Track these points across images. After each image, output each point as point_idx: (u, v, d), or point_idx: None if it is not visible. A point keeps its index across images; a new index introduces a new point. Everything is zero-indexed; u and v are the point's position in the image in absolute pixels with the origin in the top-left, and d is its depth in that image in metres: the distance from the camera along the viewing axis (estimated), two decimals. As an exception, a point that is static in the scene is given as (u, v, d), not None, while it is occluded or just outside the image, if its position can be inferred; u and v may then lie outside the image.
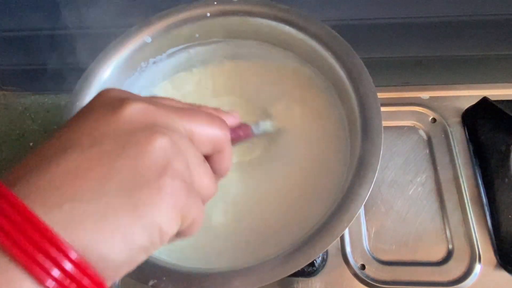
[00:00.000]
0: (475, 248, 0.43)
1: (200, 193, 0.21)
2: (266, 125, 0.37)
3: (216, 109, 0.27)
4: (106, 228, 0.17)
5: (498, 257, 0.43)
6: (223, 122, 0.24)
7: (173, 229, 0.19)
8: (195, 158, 0.21)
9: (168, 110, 0.21)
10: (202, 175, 0.22)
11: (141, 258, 0.18)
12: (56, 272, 0.15)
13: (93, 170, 0.17)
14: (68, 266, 0.15)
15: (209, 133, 0.22)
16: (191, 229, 0.21)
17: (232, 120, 0.28)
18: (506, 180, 0.45)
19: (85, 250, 0.16)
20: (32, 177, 0.17)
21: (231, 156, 0.25)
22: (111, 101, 0.20)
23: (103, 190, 0.17)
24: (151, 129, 0.19)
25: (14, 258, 0.15)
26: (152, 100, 0.21)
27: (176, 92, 0.47)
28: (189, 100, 0.25)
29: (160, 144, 0.19)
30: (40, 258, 0.15)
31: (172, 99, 0.24)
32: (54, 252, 0.15)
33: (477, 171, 0.48)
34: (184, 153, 0.20)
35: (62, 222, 0.16)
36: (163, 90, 0.47)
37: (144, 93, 0.46)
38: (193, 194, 0.20)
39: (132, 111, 0.19)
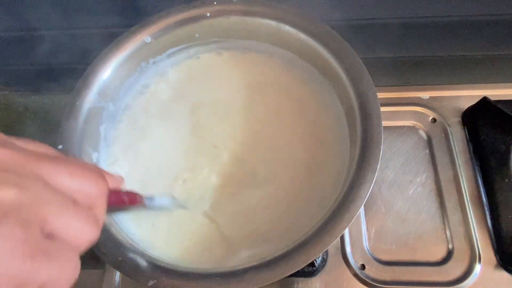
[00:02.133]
0: (475, 248, 0.43)
1: (68, 242, 0.19)
2: (163, 201, 0.35)
3: (100, 169, 0.24)
4: None
5: (498, 257, 0.43)
6: (100, 178, 0.21)
7: None
8: (56, 202, 0.18)
9: (30, 158, 0.18)
10: (69, 219, 0.19)
11: None
12: None
13: None
14: None
15: (80, 185, 0.20)
16: None
17: (113, 182, 0.26)
18: (506, 180, 0.45)
19: None
20: None
21: (102, 216, 0.22)
22: None
23: None
24: None
25: None
26: (7, 145, 0.18)
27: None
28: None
29: (3, 197, 0.16)
30: None
31: (42, 147, 0.21)
32: None
33: (477, 171, 0.48)
34: (38, 201, 0.17)
35: None
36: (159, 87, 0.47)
37: (143, 92, 0.46)
38: (43, 252, 0.17)
39: None
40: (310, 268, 0.43)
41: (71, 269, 0.18)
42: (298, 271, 0.30)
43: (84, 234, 0.19)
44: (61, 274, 0.18)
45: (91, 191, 0.21)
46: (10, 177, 0.17)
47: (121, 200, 0.28)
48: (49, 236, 0.18)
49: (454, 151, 0.49)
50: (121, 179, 0.28)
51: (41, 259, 0.17)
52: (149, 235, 0.38)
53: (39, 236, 0.17)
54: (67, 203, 0.19)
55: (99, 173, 0.22)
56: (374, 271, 0.43)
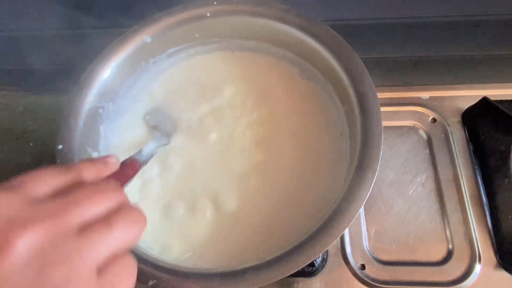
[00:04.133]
0: (475, 248, 0.43)
1: (119, 245, 0.21)
2: (150, 148, 0.38)
3: (94, 164, 0.26)
4: None
5: (498, 257, 0.43)
6: (110, 190, 0.23)
7: None
8: (95, 245, 0.20)
9: (55, 220, 0.20)
10: (115, 240, 0.21)
11: None
12: None
13: None
14: None
15: (103, 208, 0.22)
16: None
17: (114, 166, 0.28)
18: (506, 180, 0.45)
19: None
20: None
21: (137, 211, 0.24)
22: None
23: None
24: (41, 266, 0.18)
25: None
26: (34, 208, 0.20)
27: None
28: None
29: (54, 281, 0.18)
30: None
31: (49, 171, 0.23)
32: None
33: (477, 171, 0.47)
34: (81, 258, 0.19)
35: None
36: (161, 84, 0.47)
37: (143, 92, 0.46)
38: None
39: (19, 253, 0.18)
40: (310, 268, 0.43)
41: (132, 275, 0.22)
42: (298, 271, 0.30)
43: (132, 239, 0.22)
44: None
45: (113, 204, 0.23)
46: (52, 257, 0.19)
47: (127, 176, 0.31)
48: (104, 267, 0.20)
49: (454, 151, 0.49)
50: (116, 160, 0.29)
51: None
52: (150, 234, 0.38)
53: (95, 279, 0.20)
54: (102, 234, 0.21)
55: (112, 186, 0.24)
56: (374, 271, 0.43)
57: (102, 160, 0.28)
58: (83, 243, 0.20)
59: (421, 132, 0.51)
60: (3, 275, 0.17)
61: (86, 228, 0.21)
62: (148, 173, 0.41)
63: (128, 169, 0.32)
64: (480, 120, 0.49)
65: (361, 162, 0.33)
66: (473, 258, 0.43)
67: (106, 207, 0.22)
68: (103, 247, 0.21)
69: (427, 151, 0.49)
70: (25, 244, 0.18)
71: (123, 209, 0.23)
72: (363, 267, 0.43)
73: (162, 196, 0.40)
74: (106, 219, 0.21)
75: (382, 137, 0.34)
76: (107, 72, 0.41)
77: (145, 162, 0.36)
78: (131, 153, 0.35)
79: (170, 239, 0.38)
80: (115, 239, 0.21)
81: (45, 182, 0.22)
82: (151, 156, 0.38)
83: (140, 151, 0.36)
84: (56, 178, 0.23)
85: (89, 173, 0.25)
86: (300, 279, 0.43)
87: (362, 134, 0.35)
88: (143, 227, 0.23)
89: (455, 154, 0.48)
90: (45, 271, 0.18)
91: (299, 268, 0.30)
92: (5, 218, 0.19)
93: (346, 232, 0.45)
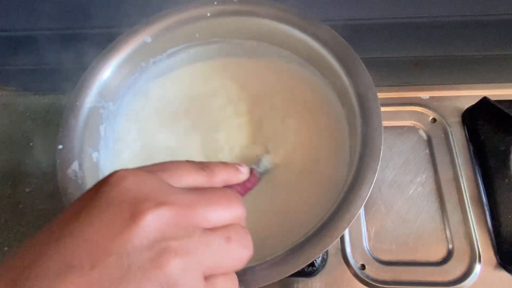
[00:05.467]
0: (475, 248, 0.43)
1: (229, 278, 0.22)
2: (267, 161, 0.38)
3: (226, 168, 0.26)
4: None
5: (498, 257, 0.43)
6: (237, 202, 0.23)
7: None
8: (213, 251, 0.20)
9: (187, 211, 0.20)
10: (227, 259, 0.21)
11: None
12: None
13: None
14: None
15: (227, 217, 0.22)
16: None
17: (244, 175, 0.28)
18: (506, 180, 0.45)
19: None
20: None
21: (248, 235, 0.24)
22: (125, 204, 0.19)
23: None
24: (161, 249, 0.18)
25: None
26: (170, 192, 0.20)
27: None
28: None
29: (169, 269, 0.18)
30: None
31: (187, 165, 0.23)
32: None
33: (477, 171, 0.48)
34: (199, 258, 0.19)
35: None
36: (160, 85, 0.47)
37: (142, 91, 0.46)
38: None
39: (145, 227, 0.18)
40: (310, 268, 0.43)
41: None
42: (298, 271, 0.30)
43: (240, 263, 0.22)
44: None
45: (236, 220, 0.23)
46: (173, 245, 0.19)
47: (247, 190, 0.30)
48: (209, 278, 0.20)
49: (454, 151, 0.49)
50: (247, 171, 0.29)
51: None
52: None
53: (203, 284, 0.20)
54: (222, 246, 0.21)
55: (236, 197, 0.24)
56: (374, 271, 0.43)
57: (234, 166, 0.28)
58: (203, 245, 0.20)
59: (421, 132, 0.51)
60: (125, 247, 0.17)
61: (208, 232, 0.21)
62: None
63: (248, 182, 0.30)
64: (480, 120, 0.49)
65: (361, 162, 0.33)
66: (473, 258, 0.43)
67: (229, 218, 0.22)
68: (220, 258, 0.21)
69: (427, 151, 0.49)
70: (154, 220, 0.18)
71: (240, 229, 0.23)
72: (363, 267, 0.43)
73: None
74: (226, 234, 0.21)
75: (382, 137, 0.34)
76: (107, 72, 0.41)
77: (261, 176, 0.35)
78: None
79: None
80: (230, 255, 0.21)
81: (181, 174, 0.23)
82: (266, 171, 0.37)
83: (257, 164, 0.36)
84: (192, 173, 0.23)
85: (220, 176, 0.25)
86: (300, 279, 0.43)
87: (362, 134, 0.35)
88: (251, 254, 0.23)
89: (455, 154, 0.48)
90: (164, 257, 0.18)
91: (299, 268, 0.30)
92: (143, 194, 0.19)
93: (346, 232, 0.45)
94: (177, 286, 0.18)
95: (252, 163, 0.35)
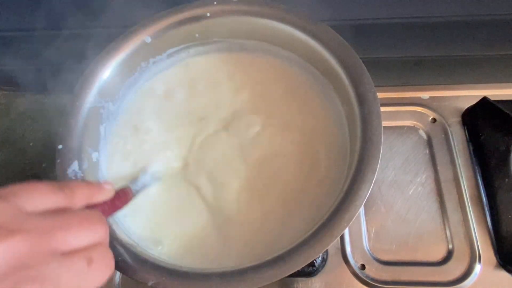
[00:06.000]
0: (475, 248, 0.43)
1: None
2: (145, 179, 0.38)
3: (89, 187, 0.26)
4: None
5: (498, 257, 0.43)
6: (100, 223, 0.24)
7: None
8: (71, 273, 0.21)
9: (43, 237, 0.20)
10: (87, 278, 0.22)
11: None
12: None
13: None
14: None
15: (89, 239, 0.22)
16: None
17: (108, 194, 0.28)
18: (506, 180, 0.45)
19: None
20: None
21: (111, 255, 0.25)
22: None
23: None
24: (18, 279, 0.18)
25: None
26: (23, 219, 0.20)
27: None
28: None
29: None
30: None
31: (44, 187, 0.23)
32: None
33: (477, 171, 0.48)
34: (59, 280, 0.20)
35: None
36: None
37: (142, 90, 0.46)
38: None
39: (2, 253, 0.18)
40: (310, 268, 0.43)
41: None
42: (298, 271, 0.30)
43: (101, 282, 0.22)
44: None
45: (96, 238, 0.23)
46: (31, 273, 0.18)
47: (115, 207, 0.30)
48: None
49: (454, 151, 0.49)
50: (111, 188, 0.29)
51: None
52: (148, 232, 0.38)
53: None
54: (83, 268, 0.21)
55: (99, 218, 0.24)
56: (374, 271, 0.43)
57: (98, 185, 0.28)
58: (62, 269, 0.20)
59: (421, 132, 0.51)
60: None
61: (68, 256, 0.21)
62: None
63: (118, 200, 0.31)
64: (480, 120, 0.49)
65: (361, 162, 0.33)
66: (473, 258, 0.43)
67: (91, 240, 0.23)
68: (80, 280, 0.21)
69: (427, 151, 0.49)
70: (6, 250, 0.18)
71: (103, 249, 0.23)
72: (363, 267, 0.43)
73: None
74: (88, 255, 0.22)
75: (382, 137, 0.34)
76: (107, 72, 0.41)
77: (137, 193, 0.35)
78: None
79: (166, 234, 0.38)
80: (90, 277, 0.22)
81: (37, 197, 0.22)
82: (143, 188, 0.37)
83: (135, 181, 0.36)
84: (49, 195, 0.23)
85: (81, 196, 0.25)
86: (300, 279, 0.43)
87: (362, 134, 0.35)
88: (111, 273, 0.24)
89: (455, 154, 0.48)
90: (21, 287, 0.18)
91: (299, 268, 0.30)
92: None
93: (346, 232, 0.45)
94: None
95: (128, 181, 0.36)
